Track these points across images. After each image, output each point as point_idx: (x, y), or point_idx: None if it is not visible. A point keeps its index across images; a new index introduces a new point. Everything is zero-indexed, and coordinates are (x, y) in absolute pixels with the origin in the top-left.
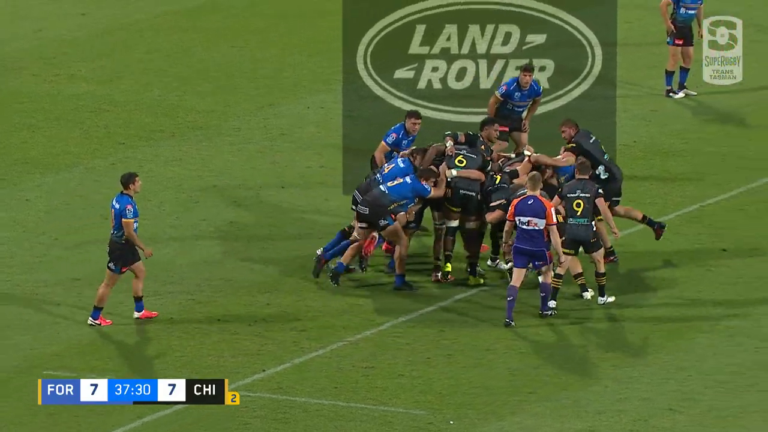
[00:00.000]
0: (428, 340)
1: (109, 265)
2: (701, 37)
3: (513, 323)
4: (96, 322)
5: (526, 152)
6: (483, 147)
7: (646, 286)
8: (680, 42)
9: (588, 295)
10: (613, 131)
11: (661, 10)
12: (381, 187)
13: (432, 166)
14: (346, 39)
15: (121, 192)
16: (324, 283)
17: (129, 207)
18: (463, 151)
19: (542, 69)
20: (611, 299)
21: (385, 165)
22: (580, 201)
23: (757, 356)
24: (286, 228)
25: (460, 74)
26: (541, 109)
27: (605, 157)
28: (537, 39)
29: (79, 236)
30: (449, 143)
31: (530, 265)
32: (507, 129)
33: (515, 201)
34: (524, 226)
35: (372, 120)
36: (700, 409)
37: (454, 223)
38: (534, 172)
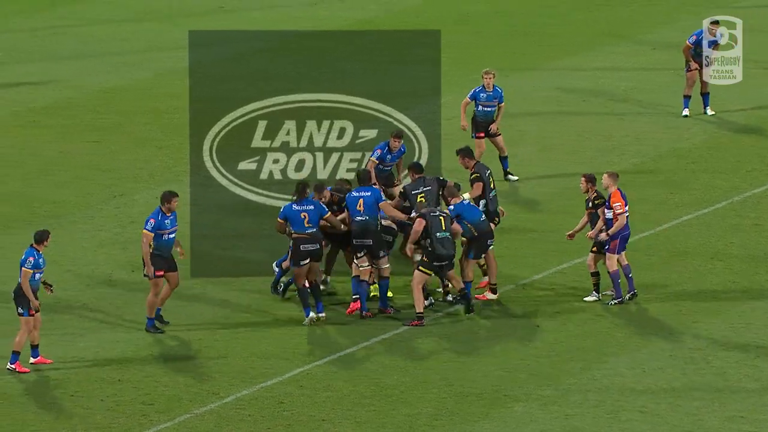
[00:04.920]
0: (269, 411)
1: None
2: (494, 129)
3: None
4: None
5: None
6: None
7: (468, 355)
8: (482, 135)
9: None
10: None
11: (462, 107)
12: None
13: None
14: (193, 133)
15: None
16: (171, 356)
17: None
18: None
19: None
20: None
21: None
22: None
23: (567, 422)
24: (135, 309)
25: (299, 165)
26: None
27: (491, 194)
28: (369, 134)
29: None
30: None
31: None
32: (384, 187)
33: None
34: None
35: (216, 208)
36: None
37: None
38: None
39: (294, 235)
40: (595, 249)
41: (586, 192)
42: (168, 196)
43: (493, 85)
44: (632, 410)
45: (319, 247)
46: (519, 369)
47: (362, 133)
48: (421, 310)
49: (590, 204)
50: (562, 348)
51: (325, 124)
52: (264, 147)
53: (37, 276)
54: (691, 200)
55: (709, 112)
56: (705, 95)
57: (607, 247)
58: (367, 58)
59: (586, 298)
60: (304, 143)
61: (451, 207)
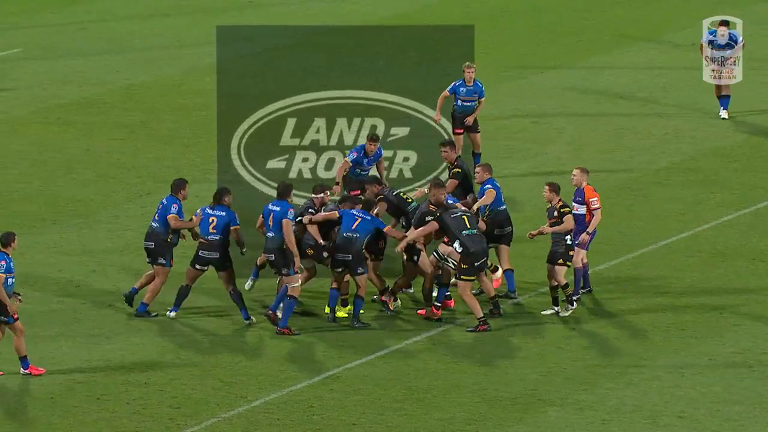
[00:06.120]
0: (299, 416)
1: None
2: (469, 122)
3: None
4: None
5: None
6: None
7: (501, 359)
8: (460, 131)
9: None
10: None
11: (439, 100)
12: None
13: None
14: (220, 131)
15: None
16: (199, 360)
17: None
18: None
19: (406, 160)
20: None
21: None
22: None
23: (604, 428)
24: (162, 310)
25: (329, 164)
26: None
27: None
28: (401, 132)
29: None
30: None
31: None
32: (359, 192)
33: None
34: None
35: (244, 207)
36: None
37: None
38: None
39: (199, 239)
40: (560, 261)
41: (549, 201)
42: (182, 183)
43: (474, 80)
44: (671, 415)
45: (219, 256)
46: (554, 373)
47: (393, 131)
48: (481, 314)
49: (555, 213)
50: (598, 351)
51: (356, 121)
52: (293, 145)
53: (10, 281)
54: (732, 200)
55: (724, 115)
56: (725, 97)
57: (577, 242)
58: (399, 54)
59: (544, 312)
60: (334, 141)
61: (487, 186)
